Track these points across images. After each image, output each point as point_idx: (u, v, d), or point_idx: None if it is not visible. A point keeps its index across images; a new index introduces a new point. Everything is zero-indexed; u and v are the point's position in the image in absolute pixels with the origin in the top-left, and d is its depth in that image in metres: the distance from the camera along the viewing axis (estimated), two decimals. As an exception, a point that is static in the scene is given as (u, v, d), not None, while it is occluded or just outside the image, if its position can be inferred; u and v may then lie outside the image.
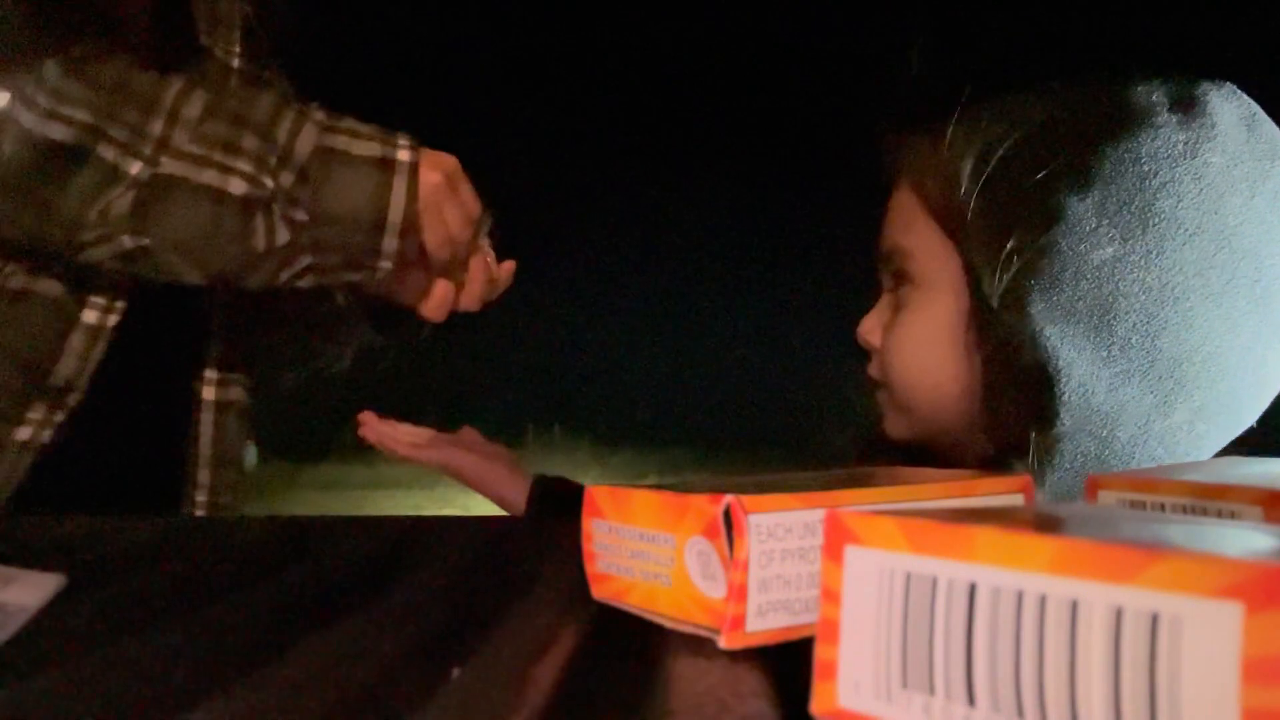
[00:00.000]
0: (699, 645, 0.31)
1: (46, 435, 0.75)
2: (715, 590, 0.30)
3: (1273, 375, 0.58)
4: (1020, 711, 0.20)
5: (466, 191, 0.77)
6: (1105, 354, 0.54)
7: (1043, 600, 0.20)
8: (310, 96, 0.79)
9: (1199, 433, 0.56)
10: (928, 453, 0.64)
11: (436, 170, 0.74)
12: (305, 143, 0.70)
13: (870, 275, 0.69)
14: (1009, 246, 0.55)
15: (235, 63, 0.88)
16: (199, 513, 0.87)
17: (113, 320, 0.77)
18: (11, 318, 0.74)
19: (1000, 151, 0.57)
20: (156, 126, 0.68)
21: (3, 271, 0.74)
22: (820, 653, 0.24)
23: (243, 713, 0.26)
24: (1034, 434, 0.54)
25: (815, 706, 0.24)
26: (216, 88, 0.72)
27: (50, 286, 0.75)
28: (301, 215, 0.70)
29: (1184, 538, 0.21)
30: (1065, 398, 0.53)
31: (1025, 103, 0.59)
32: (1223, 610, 0.17)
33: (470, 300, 0.84)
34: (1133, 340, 0.54)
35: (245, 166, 0.69)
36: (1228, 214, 0.55)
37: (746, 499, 0.30)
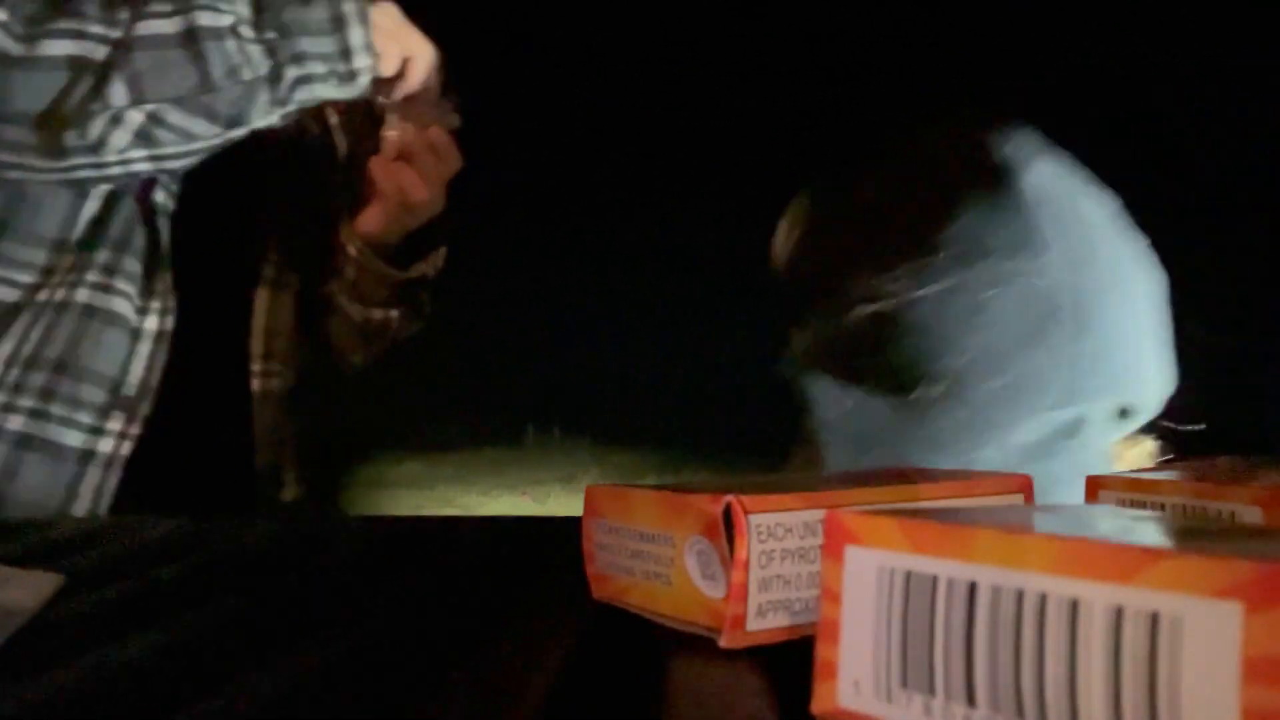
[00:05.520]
0: (699, 645, 0.31)
1: (126, 448, 0.77)
2: (715, 590, 0.30)
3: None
4: (1020, 711, 0.20)
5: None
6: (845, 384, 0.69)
7: (1043, 600, 0.20)
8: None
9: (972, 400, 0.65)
10: None
11: None
12: None
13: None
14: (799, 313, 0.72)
15: None
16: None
17: (170, 323, 0.79)
18: (85, 333, 0.76)
19: (790, 231, 0.74)
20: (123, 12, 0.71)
21: (68, 281, 0.76)
22: (820, 653, 0.24)
23: (242, 712, 0.26)
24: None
25: (815, 706, 0.24)
26: None
27: (117, 303, 0.77)
28: (270, 34, 0.72)
29: (1184, 538, 0.21)
30: (820, 421, 0.70)
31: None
32: (1223, 610, 0.17)
33: (434, 177, 0.84)
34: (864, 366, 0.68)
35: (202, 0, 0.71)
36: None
37: (746, 499, 0.30)
